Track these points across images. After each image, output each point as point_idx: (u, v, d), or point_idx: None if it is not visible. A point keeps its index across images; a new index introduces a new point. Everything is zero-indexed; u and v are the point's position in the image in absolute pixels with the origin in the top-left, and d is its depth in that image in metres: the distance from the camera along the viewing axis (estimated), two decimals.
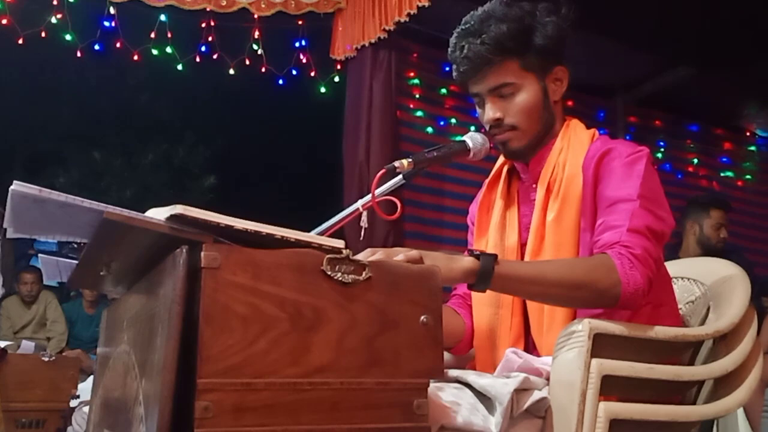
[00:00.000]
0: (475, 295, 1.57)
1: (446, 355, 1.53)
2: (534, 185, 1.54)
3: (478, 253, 1.30)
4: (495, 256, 1.30)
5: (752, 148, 6.37)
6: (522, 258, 1.50)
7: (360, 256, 1.12)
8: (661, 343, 1.32)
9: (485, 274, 1.27)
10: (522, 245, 1.52)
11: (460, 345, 1.60)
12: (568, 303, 1.35)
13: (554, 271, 1.32)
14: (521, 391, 1.21)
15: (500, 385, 1.19)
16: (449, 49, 1.54)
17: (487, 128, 1.53)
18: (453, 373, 1.28)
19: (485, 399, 1.21)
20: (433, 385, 1.09)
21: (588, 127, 1.57)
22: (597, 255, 1.34)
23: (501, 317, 1.51)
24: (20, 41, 4.60)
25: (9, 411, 3.65)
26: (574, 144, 1.50)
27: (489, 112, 1.51)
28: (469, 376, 1.25)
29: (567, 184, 1.45)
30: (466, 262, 1.28)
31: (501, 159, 1.65)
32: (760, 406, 2.91)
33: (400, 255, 1.20)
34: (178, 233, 0.96)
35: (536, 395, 1.22)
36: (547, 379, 1.27)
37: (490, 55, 1.46)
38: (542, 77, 1.51)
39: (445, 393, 1.19)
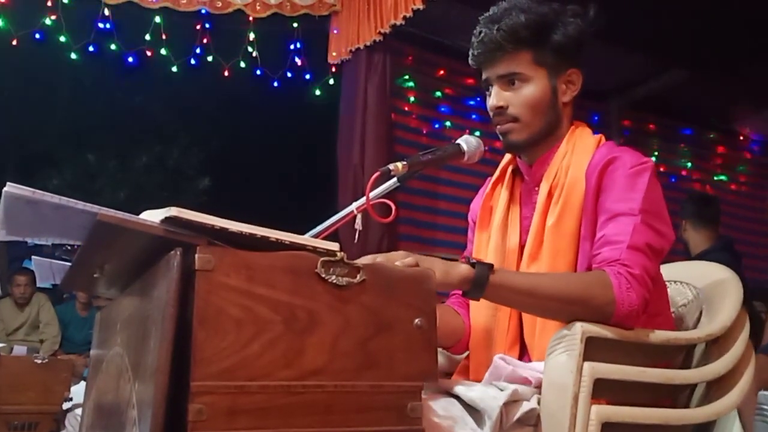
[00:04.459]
0: None
1: (439, 357, 1.53)
2: (536, 188, 1.53)
3: (474, 261, 1.30)
4: (490, 265, 1.29)
5: (745, 152, 6.40)
6: (521, 260, 1.51)
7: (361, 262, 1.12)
8: (653, 347, 1.32)
9: (480, 283, 1.28)
10: (522, 247, 1.52)
11: (459, 345, 1.60)
12: (561, 317, 1.33)
13: (549, 285, 1.32)
14: (510, 403, 1.21)
15: (489, 399, 1.19)
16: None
17: (491, 116, 1.53)
18: (442, 383, 1.28)
19: (474, 411, 1.20)
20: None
21: None
22: (595, 271, 1.33)
23: (498, 319, 1.51)
24: (14, 42, 4.59)
25: (1, 414, 3.64)
26: (578, 149, 1.49)
27: (493, 99, 1.51)
28: (459, 387, 1.24)
29: (569, 189, 1.44)
30: (462, 269, 1.28)
31: (506, 158, 1.64)
32: (753, 408, 2.91)
33: (397, 263, 1.20)
34: (173, 235, 0.96)
35: (525, 406, 1.22)
36: (537, 387, 1.27)
37: (503, 41, 1.47)
38: (554, 75, 1.50)
39: (433, 405, 1.19)
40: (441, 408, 1.19)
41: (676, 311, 1.57)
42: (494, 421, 1.16)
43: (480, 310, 1.54)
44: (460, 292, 1.64)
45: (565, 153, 1.50)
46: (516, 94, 1.49)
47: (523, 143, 1.52)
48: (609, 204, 1.38)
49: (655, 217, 1.37)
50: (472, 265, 1.29)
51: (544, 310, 1.36)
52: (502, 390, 1.23)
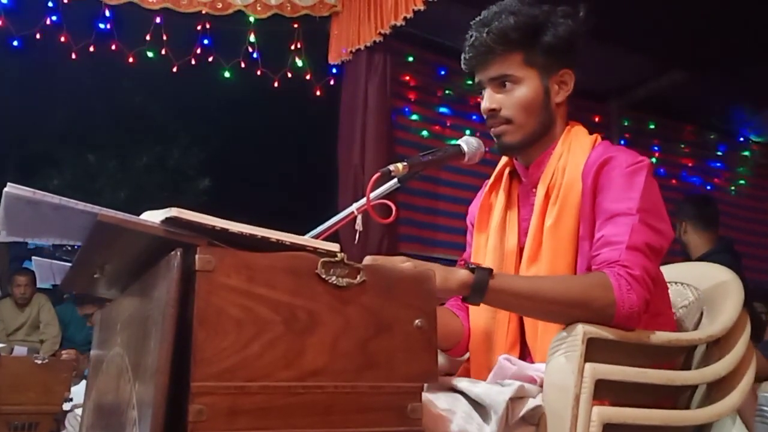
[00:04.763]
0: None
1: (439, 358, 1.53)
2: (533, 189, 1.53)
3: (473, 266, 1.30)
4: (490, 270, 1.29)
5: (746, 153, 6.40)
6: (520, 262, 1.51)
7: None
8: (654, 348, 1.32)
9: (479, 288, 1.28)
10: (521, 249, 1.52)
11: (458, 347, 1.60)
12: (562, 320, 1.33)
13: (550, 288, 1.31)
14: (516, 399, 1.21)
15: (495, 394, 1.19)
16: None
17: (485, 118, 1.53)
18: (447, 380, 1.28)
19: (480, 407, 1.20)
20: (427, 394, 1.09)
21: None
22: (594, 273, 1.33)
23: (498, 321, 1.51)
24: (15, 43, 4.59)
25: (2, 414, 3.65)
26: (574, 149, 1.49)
27: (486, 102, 1.51)
28: (463, 383, 1.24)
29: (566, 190, 1.44)
30: (461, 274, 1.28)
31: (503, 160, 1.64)
32: (753, 409, 2.91)
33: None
34: (173, 236, 0.96)
35: (531, 403, 1.22)
36: (541, 386, 1.27)
37: (493, 44, 1.47)
38: (546, 76, 1.50)
39: (439, 401, 1.19)
40: (446, 403, 1.19)
41: (677, 312, 1.57)
42: (500, 415, 1.16)
43: (479, 313, 1.54)
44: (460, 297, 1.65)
45: (561, 153, 1.49)
46: (508, 96, 1.49)
47: (518, 145, 1.52)
48: (606, 204, 1.38)
49: (653, 215, 1.37)
50: (471, 270, 1.29)
51: (544, 313, 1.36)
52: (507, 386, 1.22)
